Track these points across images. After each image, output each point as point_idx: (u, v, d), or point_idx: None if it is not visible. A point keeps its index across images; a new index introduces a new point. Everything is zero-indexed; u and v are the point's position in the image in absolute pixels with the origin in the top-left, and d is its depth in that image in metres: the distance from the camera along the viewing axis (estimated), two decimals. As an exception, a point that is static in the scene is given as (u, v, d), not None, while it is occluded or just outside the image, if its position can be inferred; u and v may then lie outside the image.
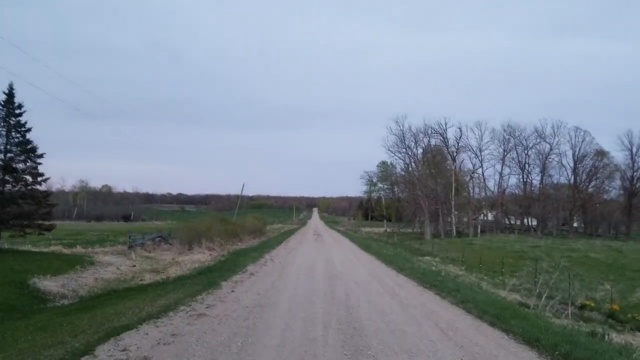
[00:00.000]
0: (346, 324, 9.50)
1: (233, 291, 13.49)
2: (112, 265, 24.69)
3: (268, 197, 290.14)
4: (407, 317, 10.29)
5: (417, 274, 18.42)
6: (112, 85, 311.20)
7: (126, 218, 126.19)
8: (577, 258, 32.84)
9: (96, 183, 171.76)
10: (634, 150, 72.07)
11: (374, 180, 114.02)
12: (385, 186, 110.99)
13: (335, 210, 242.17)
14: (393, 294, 13.71)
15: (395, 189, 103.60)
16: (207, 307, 10.90)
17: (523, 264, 30.11)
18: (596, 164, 73.99)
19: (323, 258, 25.35)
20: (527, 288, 20.16)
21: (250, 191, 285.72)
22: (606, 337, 10.22)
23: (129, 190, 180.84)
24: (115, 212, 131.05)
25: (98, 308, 12.23)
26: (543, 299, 14.69)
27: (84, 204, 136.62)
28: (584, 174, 75.19)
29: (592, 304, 17.47)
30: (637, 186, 73.03)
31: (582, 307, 16.94)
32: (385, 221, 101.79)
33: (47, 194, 28.79)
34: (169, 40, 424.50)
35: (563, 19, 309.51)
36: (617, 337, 11.17)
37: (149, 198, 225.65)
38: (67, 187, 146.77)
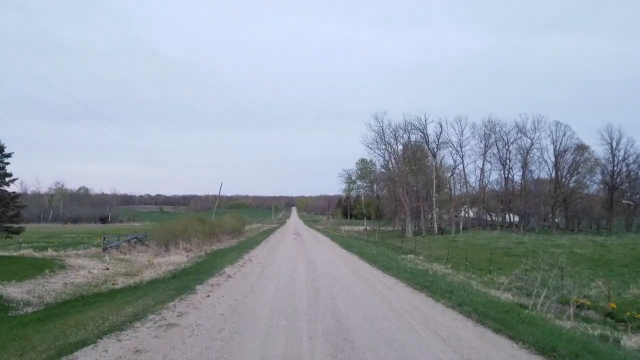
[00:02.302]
0: (335, 334, 8.42)
1: (209, 296, 12.40)
2: (84, 269, 23.53)
3: (246, 197, 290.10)
4: (402, 325, 9.25)
5: (405, 274, 17.46)
6: (87, 86, 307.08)
7: (103, 220, 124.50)
8: (550, 254, 32.26)
9: (73, 185, 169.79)
10: (614, 144, 72.23)
11: (353, 178, 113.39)
12: (365, 184, 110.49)
13: (314, 209, 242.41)
14: (382, 297, 12.66)
15: (375, 186, 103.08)
16: (178, 316, 9.81)
17: (509, 261, 29.49)
18: (577, 159, 74.21)
19: (304, 258, 24.37)
20: (518, 286, 19.39)
21: (229, 191, 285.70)
22: (621, 341, 9.35)
23: (107, 191, 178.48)
24: (92, 214, 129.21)
25: (60, 318, 11.11)
26: (542, 298, 13.87)
27: (60, 206, 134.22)
28: (565, 169, 75.17)
29: (588, 302, 16.72)
30: (618, 180, 73.18)
31: (578, 306, 16.16)
32: (365, 219, 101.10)
33: (15, 195, 27.49)
34: (145, 40, 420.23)
35: (538, 16, 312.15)
36: (629, 341, 10.31)
37: (127, 199, 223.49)
38: (43, 189, 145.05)
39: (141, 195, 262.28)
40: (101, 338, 7.87)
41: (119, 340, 7.74)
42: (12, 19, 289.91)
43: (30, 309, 14.97)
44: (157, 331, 8.43)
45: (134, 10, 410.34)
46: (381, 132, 74.58)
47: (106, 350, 7.16)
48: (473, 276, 22.45)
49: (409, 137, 75.76)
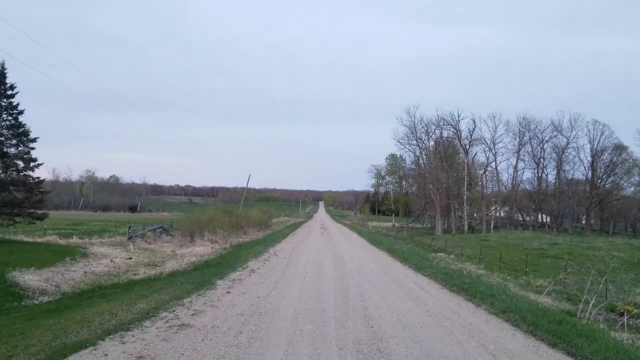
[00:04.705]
0: (367, 343, 7.36)
1: (229, 292, 11.53)
2: (106, 258, 23.06)
3: (274, 190, 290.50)
4: (442, 334, 8.16)
5: (439, 274, 16.31)
6: (122, 77, 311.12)
7: (132, 209, 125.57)
8: (600, 257, 30.77)
9: (104, 173, 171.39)
10: (654, 144, 69.45)
11: (382, 173, 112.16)
12: (394, 180, 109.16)
13: (341, 204, 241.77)
14: (417, 299, 11.60)
15: (404, 182, 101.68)
16: (193, 314, 8.93)
17: (544, 263, 28.23)
18: (614, 159, 71.18)
19: (331, 253, 23.46)
20: (557, 290, 18.13)
21: (257, 184, 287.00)
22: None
23: (137, 181, 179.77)
24: (121, 202, 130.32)
25: (70, 310, 10.42)
26: (590, 305, 12.68)
27: (90, 194, 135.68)
28: (601, 169, 72.54)
29: (630, 308, 15.38)
30: (657, 182, 70.45)
31: (623, 313, 14.86)
32: (393, 215, 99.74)
33: (39, 181, 27.13)
34: (180, 33, 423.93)
35: (576, 13, 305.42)
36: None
37: (156, 189, 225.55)
38: (74, 176, 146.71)
39: (170, 186, 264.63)
40: (103, 339, 7.01)
41: (123, 343, 6.86)
42: (53, 11, 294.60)
43: (45, 298, 14.40)
44: (167, 332, 7.52)
45: (169, 5, 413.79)
46: (413, 127, 73.16)
47: (105, 355, 6.28)
48: (508, 278, 21.23)
49: (441, 133, 74.21)
